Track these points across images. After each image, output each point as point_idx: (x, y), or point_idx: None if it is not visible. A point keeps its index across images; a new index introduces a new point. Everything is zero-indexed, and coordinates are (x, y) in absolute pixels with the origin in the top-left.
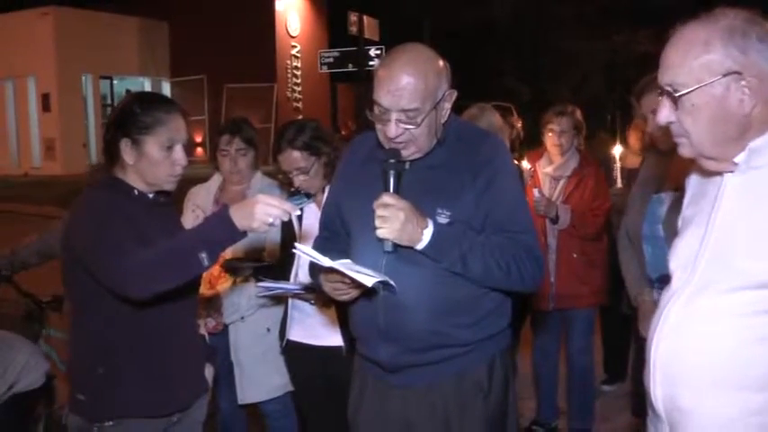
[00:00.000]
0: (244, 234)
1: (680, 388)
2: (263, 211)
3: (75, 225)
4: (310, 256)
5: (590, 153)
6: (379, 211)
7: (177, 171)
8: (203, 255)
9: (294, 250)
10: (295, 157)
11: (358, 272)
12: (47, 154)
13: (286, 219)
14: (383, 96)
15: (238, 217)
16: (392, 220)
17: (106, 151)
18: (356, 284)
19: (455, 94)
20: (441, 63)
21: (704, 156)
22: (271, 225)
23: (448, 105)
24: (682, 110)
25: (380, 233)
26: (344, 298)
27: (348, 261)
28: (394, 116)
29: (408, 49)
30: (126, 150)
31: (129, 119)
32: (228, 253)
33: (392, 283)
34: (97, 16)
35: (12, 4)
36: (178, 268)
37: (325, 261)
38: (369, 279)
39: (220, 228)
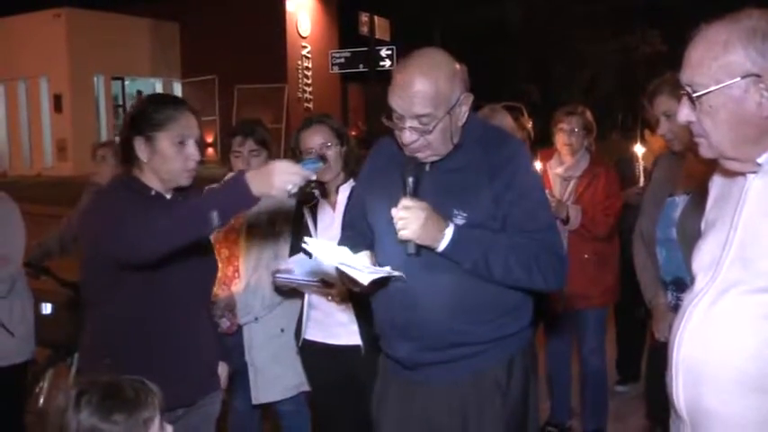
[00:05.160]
0: (258, 199)
1: (702, 389)
2: (282, 179)
3: (88, 214)
4: (319, 251)
5: (604, 154)
6: (400, 214)
7: (191, 166)
8: (214, 214)
9: (303, 244)
10: (323, 131)
11: (359, 270)
12: (59, 154)
13: (303, 184)
14: (396, 102)
15: (256, 183)
16: (412, 220)
17: (122, 153)
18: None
19: (471, 97)
20: (455, 67)
21: (725, 156)
22: (290, 192)
23: (465, 108)
24: (700, 110)
25: (402, 234)
26: (356, 289)
27: (367, 253)
28: (408, 123)
29: (421, 54)
30: (140, 148)
31: (141, 117)
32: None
33: (396, 274)
34: (109, 17)
35: (24, 5)
36: (186, 225)
37: (328, 260)
38: (366, 277)
39: (235, 191)
